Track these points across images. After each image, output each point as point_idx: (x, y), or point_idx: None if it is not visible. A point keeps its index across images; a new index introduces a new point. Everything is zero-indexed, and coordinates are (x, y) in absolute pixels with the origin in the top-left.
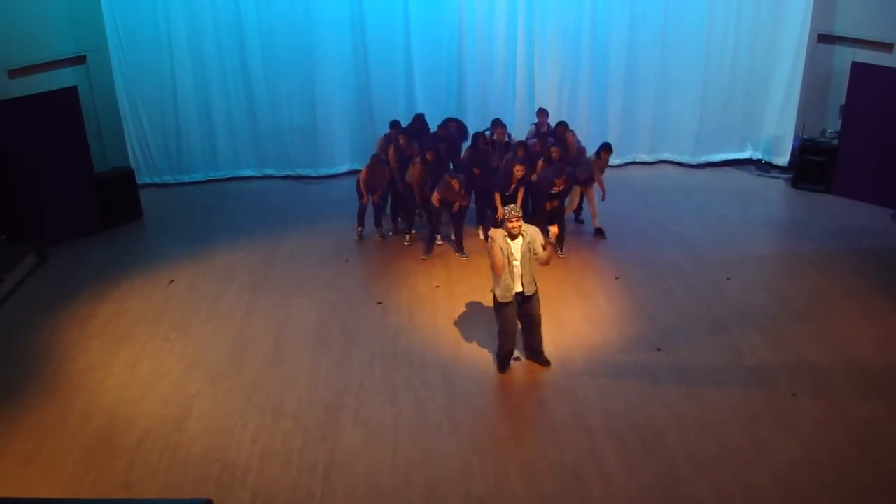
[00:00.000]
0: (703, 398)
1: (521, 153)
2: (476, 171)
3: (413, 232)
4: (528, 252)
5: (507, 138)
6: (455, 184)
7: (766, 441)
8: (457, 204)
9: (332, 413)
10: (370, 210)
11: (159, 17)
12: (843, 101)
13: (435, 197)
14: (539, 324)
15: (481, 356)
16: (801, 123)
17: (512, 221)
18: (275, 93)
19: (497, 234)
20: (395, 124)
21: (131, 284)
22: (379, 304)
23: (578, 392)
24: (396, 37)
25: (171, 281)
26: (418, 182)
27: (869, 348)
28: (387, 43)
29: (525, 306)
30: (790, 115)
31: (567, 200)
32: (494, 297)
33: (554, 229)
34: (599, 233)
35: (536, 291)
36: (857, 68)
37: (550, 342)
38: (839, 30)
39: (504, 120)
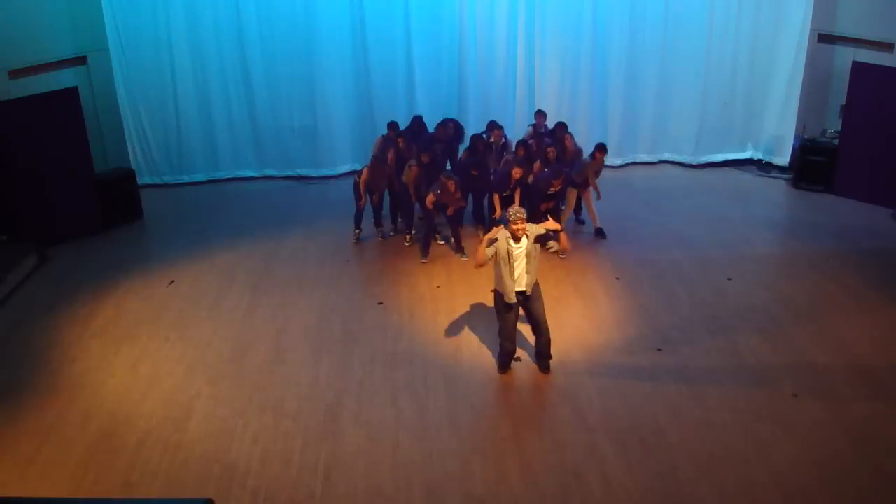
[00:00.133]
0: (704, 398)
1: (521, 153)
2: (474, 172)
3: (413, 232)
4: (535, 251)
5: (503, 140)
6: (451, 185)
7: (767, 441)
8: (451, 207)
9: (333, 413)
10: (368, 212)
11: (160, 18)
12: (843, 101)
13: (429, 198)
14: (544, 325)
15: (482, 356)
16: (802, 123)
17: (517, 224)
18: (275, 93)
19: (501, 234)
20: (392, 126)
21: (132, 285)
22: (379, 304)
23: (579, 392)
24: (397, 37)
25: (172, 281)
26: (414, 184)
27: (869, 348)
28: (387, 43)
29: (528, 307)
30: (791, 114)
31: (563, 203)
32: (496, 297)
33: (554, 225)
34: (600, 233)
35: (538, 290)
36: (858, 68)
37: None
38: (840, 29)
39: (505, 121)
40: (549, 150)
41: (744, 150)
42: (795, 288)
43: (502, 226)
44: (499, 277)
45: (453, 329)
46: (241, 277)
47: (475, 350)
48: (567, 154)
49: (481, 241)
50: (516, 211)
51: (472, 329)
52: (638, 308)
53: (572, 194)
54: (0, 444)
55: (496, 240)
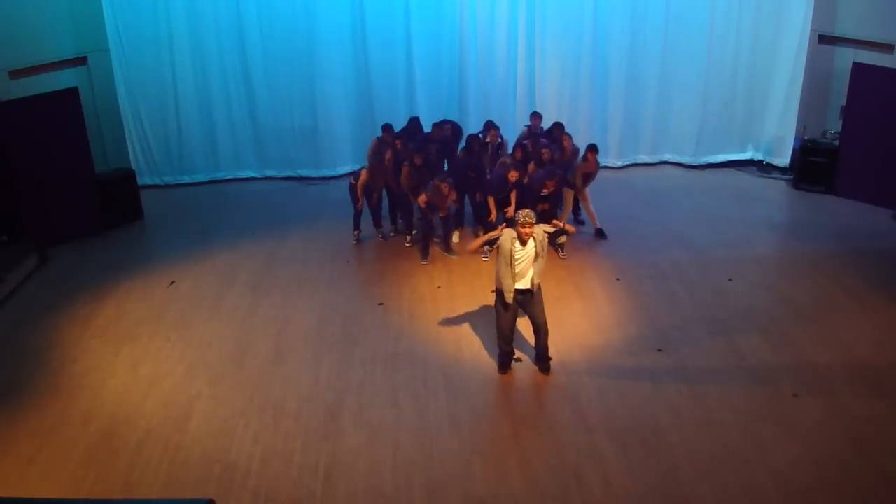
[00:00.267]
0: (704, 398)
1: (519, 156)
2: (471, 173)
3: (414, 233)
4: (543, 252)
5: (499, 140)
6: (444, 187)
7: (767, 441)
8: (442, 210)
9: (333, 413)
10: (366, 213)
11: (160, 18)
12: (843, 102)
13: (422, 199)
14: (543, 327)
15: (482, 356)
16: (802, 124)
17: (525, 227)
18: (276, 94)
19: (506, 234)
20: (386, 128)
21: (132, 285)
22: (380, 304)
23: (579, 392)
24: (397, 38)
25: (172, 282)
26: (408, 185)
27: (870, 349)
28: (387, 44)
29: (528, 307)
30: (791, 115)
31: (561, 206)
32: (496, 296)
33: (558, 223)
34: (600, 234)
35: (539, 293)
36: (858, 69)
37: (551, 342)
38: (840, 30)
39: (505, 122)
40: (543, 151)
41: (744, 151)
42: (796, 288)
43: (505, 225)
44: (499, 275)
45: (454, 330)
46: (241, 278)
47: (476, 350)
48: (566, 154)
49: (476, 234)
50: (525, 214)
51: (473, 329)
52: (638, 308)
53: (569, 195)
54: (0, 444)
55: (498, 238)
